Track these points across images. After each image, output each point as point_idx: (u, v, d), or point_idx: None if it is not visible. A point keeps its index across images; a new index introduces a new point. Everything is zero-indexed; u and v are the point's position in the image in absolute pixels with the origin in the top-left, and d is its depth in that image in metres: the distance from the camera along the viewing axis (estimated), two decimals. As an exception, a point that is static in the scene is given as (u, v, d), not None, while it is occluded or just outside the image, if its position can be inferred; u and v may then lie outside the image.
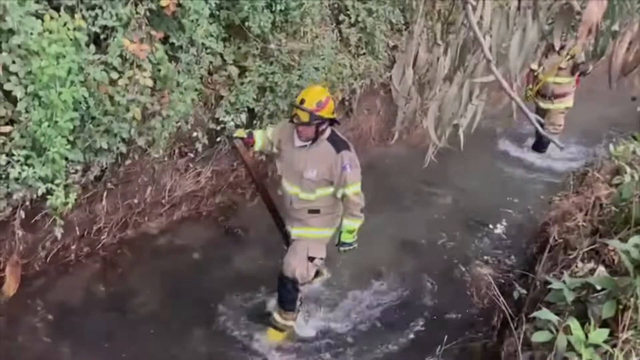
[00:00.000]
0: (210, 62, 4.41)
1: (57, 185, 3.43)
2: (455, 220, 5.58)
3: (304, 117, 3.47)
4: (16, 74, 3.20)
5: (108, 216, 4.37)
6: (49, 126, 3.28)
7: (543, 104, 6.72)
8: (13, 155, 3.28)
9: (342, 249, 3.81)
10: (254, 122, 5.14)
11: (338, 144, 3.63)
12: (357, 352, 3.85)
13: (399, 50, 6.57)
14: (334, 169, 3.57)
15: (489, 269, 4.18)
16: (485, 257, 4.94)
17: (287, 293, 3.82)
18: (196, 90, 4.29)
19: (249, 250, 4.77)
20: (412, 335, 4.00)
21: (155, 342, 3.70)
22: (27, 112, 3.28)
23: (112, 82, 3.66)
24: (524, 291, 2.92)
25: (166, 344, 3.68)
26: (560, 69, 6.37)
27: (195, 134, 4.71)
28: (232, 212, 5.21)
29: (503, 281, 3.79)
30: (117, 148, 3.87)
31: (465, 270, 4.72)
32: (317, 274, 4.16)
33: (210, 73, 4.66)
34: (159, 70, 3.93)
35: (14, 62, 3.18)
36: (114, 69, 3.63)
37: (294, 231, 3.84)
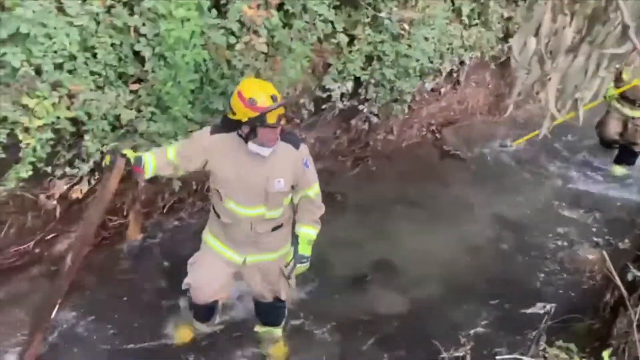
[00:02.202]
0: (322, 30, 4.47)
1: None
2: (564, 202, 5.36)
3: (282, 112, 2.76)
4: (145, 35, 3.48)
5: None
6: (172, 86, 3.54)
7: (630, 111, 5.69)
8: (140, 110, 3.57)
9: (299, 265, 3.08)
10: (359, 90, 5.17)
11: (293, 139, 2.95)
12: (458, 324, 3.81)
13: (513, 21, 6.28)
14: (297, 169, 2.92)
15: (599, 250, 4.00)
16: (596, 239, 4.73)
17: (279, 310, 3.43)
18: (307, 57, 4.38)
19: (347, 214, 4.88)
20: (511, 311, 3.94)
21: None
22: (153, 71, 3.55)
23: (230, 47, 3.84)
24: (638, 273, 2.79)
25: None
26: None
27: (302, 100, 4.83)
28: (332, 178, 5.30)
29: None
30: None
31: (574, 251, 4.56)
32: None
33: (320, 41, 4.73)
34: (273, 37, 4.06)
35: (144, 24, 3.45)
36: (232, 33, 3.80)
37: (249, 258, 3.12)
